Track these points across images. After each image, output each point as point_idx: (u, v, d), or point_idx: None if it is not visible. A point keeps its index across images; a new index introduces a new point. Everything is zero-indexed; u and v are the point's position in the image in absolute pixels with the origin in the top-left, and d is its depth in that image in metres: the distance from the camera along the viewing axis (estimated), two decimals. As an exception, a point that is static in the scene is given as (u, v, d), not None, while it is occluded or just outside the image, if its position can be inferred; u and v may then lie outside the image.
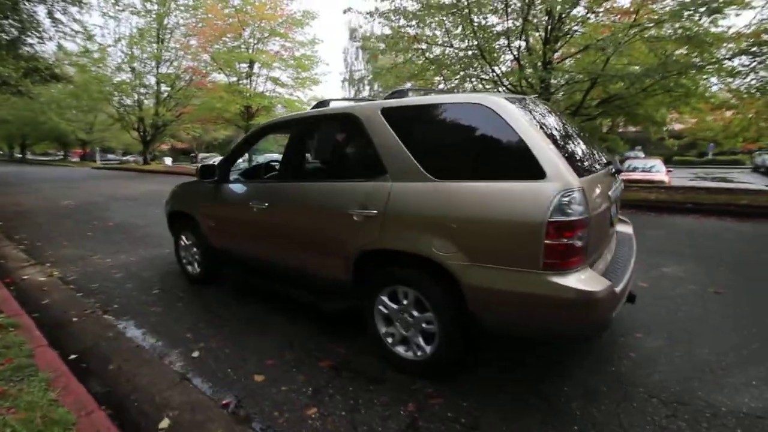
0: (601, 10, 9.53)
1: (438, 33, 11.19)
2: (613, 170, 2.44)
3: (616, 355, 2.39)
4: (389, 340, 2.32)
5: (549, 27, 9.96)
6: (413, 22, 10.69)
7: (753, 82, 8.49)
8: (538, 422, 1.87)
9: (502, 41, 10.26)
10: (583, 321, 1.75)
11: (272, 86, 19.92)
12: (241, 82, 19.30)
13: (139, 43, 21.50)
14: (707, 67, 8.65)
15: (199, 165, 3.31)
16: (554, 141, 1.89)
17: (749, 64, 8.13)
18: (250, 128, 20.08)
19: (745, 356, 2.38)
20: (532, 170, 1.78)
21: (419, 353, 2.20)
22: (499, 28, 10.26)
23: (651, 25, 8.48)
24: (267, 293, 3.45)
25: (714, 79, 9.20)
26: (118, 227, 6.64)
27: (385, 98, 2.61)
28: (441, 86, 12.22)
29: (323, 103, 2.84)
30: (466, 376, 2.22)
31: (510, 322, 1.91)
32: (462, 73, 11.29)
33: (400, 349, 2.29)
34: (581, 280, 1.72)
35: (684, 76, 8.80)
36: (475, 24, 9.81)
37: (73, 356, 2.54)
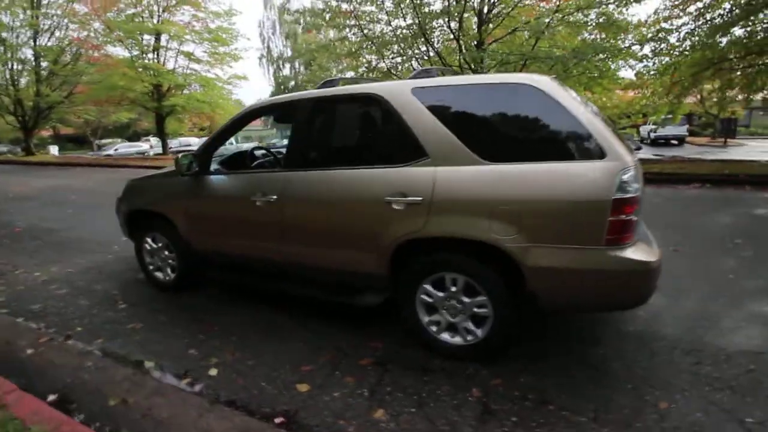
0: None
1: (374, 9, 10.93)
2: (634, 147, 2.62)
3: (629, 316, 2.64)
4: (433, 328, 2.28)
5: (483, 9, 10.31)
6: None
7: (653, 65, 9.77)
8: (596, 386, 2.00)
9: (441, 21, 10.37)
10: (638, 290, 1.88)
11: (186, 62, 17.88)
12: (146, 56, 16.95)
13: (8, 8, 17.51)
14: (616, 51, 9.73)
15: (179, 156, 2.83)
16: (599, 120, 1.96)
17: (652, 50, 9.31)
18: (162, 109, 17.95)
19: (723, 303, 2.79)
20: (592, 150, 1.82)
21: (469, 337, 2.19)
22: (437, 6, 10.34)
23: (572, 11, 9.23)
24: (261, 294, 3.15)
25: (622, 63, 10.39)
26: (28, 233, 5.52)
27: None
28: (381, 65, 12.04)
29: (332, 82, 2.58)
30: (506, 355, 2.27)
31: (570, 298, 1.98)
32: (403, 52, 11.22)
33: (446, 336, 2.26)
34: (637, 253, 1.84)
35: (598, 59, 9.79)
36: (416, 1, 9.76)
37: (51, 397, 2.07)
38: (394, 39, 11.12)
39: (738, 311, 2.68)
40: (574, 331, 2.54)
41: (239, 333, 2.65)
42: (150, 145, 26.44)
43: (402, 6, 10.46)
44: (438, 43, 11.11)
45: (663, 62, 9.41)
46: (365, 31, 11.21)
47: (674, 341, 2.36)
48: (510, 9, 10.12)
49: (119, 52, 17.28)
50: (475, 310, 2.14)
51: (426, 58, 11.32)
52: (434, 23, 10.32)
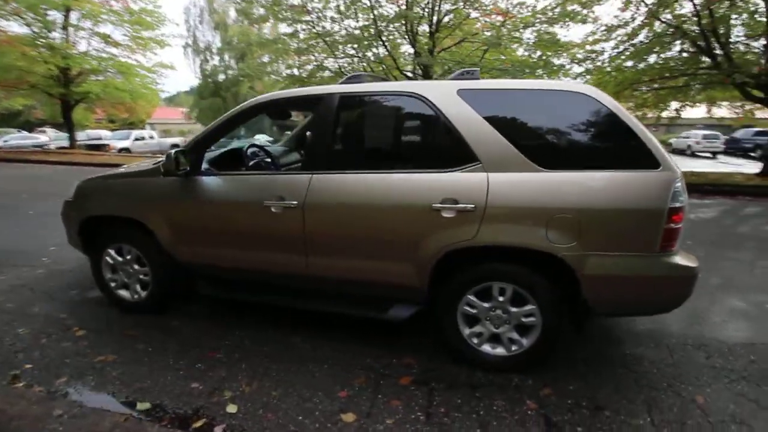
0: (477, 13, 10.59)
1: (322, 6, 10.61)
2: None
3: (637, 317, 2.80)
4: (474, 340, 2.18)
5: (433, 18, 10.56)
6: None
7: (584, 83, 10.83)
8: (638, 387, 2.06)
9: (398, 24, 10.41)
10: (681, 294, 1.98)
11: (102, 45, 15.69)
12: (52, 36, 14.55)
13: None
14: (555, 68, 10.64)
15: (172, 152, 2.35)
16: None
17: (585, 70, 10.34)
18: (70, 96, 15.57)
19: (708, 300, 3.09)
20: (647, 160, 1.87)
21: (514, 348, 2.13)
22: (389, 10, 10.36)
23: (520, 27, 9.89)
24: (258, 312, 2.80)
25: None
26: None
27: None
28: (332, 64, 11.71)
29: (358, 78, 2.36)
30: (544, 363, 2.26)
31: (620, 303, 2.02)
32: (356, 53, 11.04)
33: (487, 348, 2.18)
34: (683, 259, 1.93)
35: (539, 74, 10.61)
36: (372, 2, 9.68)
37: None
38: (347, 39, 10.91)
39: (718, 306, 2.99)
40: (594, 332, 2.62)
41: (248, 358, 2.31)
42: (48, 137, 22.73)
43: (354, 7, 10.32)
44: (392, 47, 11.13)
45: (592, 81, 10.48)
46: (317, 29, 10.84)
47: (681, 337, 2.55)
48: (460, 21, 10.51)
49: (17, 29, 14.61)
50: (523, 319, 2.09)
51: (378, 60, 11.28)
52: (390, 27, 10.31)
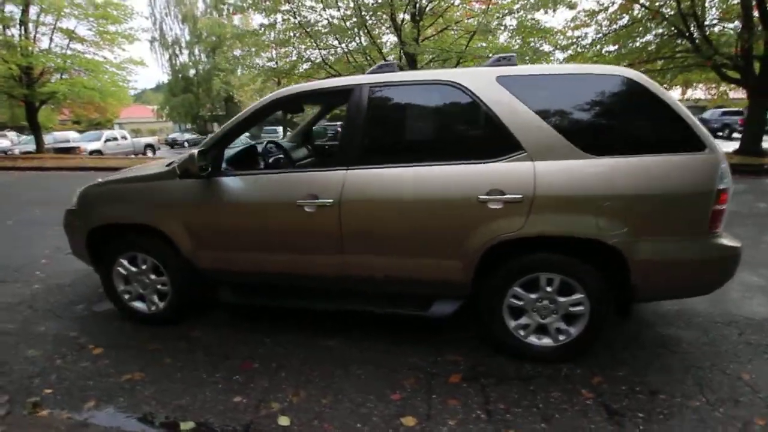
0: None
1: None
2: None
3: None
4: (521, 332, 2.16)
5: (417, 6, 10.43)
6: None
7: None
8: (685, 368, 2.09)
9: (380, 14, 10.22)
10: (726, 274, 2.00)
11: (65, 41, 14.77)
12: (9, 32, 13.59)
13: None
14: (538, 54, 10.71)
15: (195, 152, 2.18)
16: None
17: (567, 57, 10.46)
18: (35, 97, 14.65)
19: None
20: (693, 143, 1.86)
21: (561, 337, 2.12)
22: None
23: (505, 14, 9.88)
24: (281, 316, 2.70)
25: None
26: None
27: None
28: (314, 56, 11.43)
29: (389, 66, 2.26)
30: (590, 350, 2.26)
31: (668, 287, 2.02)
32: (339, 43, 10.81)
33: (534, 339, 2.16)
34: (728, 239, 1.95)
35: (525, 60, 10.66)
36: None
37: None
38: (330, 29, 10.65)
39: (735, 283, 3.07)
40: (620, 320, 2.64)
41: (287, 366, 2.21)
42: (10, 140, 21.37)
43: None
44: (375, 38, 10.94)
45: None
46: (297, 19, 10.54)
47: (709, 316, 2.60)
48: (444, 9, 10.42)
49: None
50: (570, 308, 2.07)
51: (362, 50, 11.08)
52: (374, 16, 10.12)
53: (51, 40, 14.48)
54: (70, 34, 14.53)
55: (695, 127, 1.87)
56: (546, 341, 2.15)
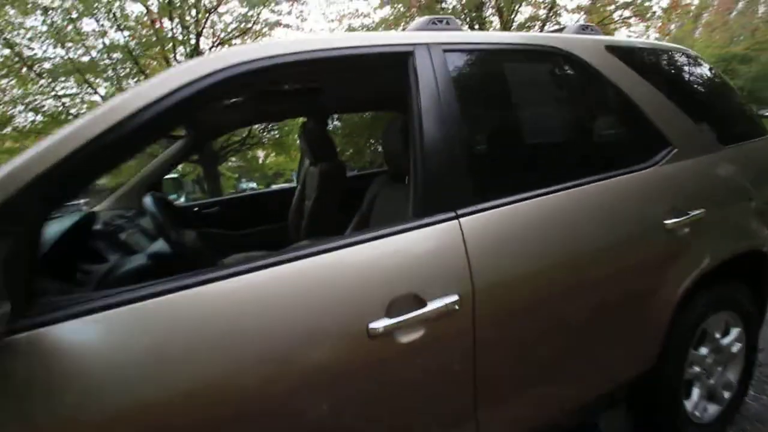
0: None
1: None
2: None
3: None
4: (697, 413, 1.45)
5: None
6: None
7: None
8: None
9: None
10: None
11: None
12: None
13: None
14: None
15: None
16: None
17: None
18: None
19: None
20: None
21: (726, 395, 1.53)
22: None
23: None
24: None
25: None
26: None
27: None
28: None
29: (445, 21, 1.19)
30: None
31: None
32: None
33: (702, 414, 1.49)
34: None
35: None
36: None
37: None
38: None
39: None
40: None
41: None
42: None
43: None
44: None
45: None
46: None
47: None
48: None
49: None
50: (732, 350, 1.53)
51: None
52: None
53: None
54: None
55: None
56: (713, 409, 1.52)
